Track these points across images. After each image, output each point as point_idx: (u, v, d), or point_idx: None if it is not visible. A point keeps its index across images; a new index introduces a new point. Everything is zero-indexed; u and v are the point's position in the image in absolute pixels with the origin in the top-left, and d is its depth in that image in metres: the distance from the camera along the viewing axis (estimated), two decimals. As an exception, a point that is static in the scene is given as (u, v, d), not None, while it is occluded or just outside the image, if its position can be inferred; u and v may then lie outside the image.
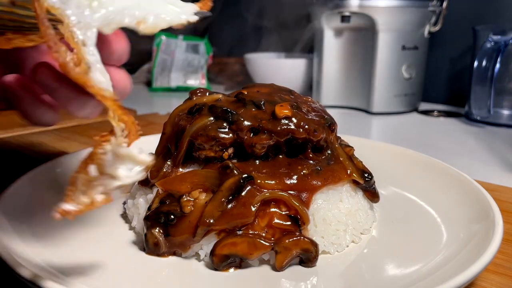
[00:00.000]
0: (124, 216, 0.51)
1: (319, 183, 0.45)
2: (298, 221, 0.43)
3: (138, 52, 1.78)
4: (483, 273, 0.41)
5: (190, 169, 0.46)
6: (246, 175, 0.43)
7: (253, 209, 0.42)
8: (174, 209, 0.43)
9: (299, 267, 0.42)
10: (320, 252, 0.43)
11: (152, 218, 0.43)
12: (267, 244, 0.41)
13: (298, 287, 0.40)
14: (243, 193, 0.42)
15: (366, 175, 0.49)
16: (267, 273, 0.42)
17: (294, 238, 0.41)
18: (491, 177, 0.65)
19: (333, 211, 0.45)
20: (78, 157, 0.61)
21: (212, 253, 0.41)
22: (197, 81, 1.50)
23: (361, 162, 0.51)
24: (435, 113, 1.16)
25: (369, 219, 0.49)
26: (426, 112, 1.17)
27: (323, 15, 1.11)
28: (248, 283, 0.40)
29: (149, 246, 0.43)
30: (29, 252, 0.39)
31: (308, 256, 0.42)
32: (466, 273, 0.34)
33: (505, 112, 1.03)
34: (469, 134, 0.97)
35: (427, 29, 1.11)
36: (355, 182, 0.49)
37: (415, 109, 1.19)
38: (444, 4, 1.10)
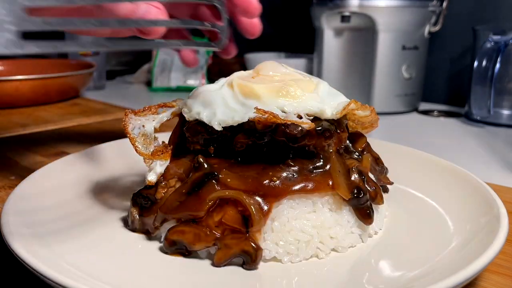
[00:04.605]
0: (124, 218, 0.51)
1: (285, 190, 0.44)
2: (247, 222, 0.43)
3: (138, 52, 1.78)
4: (483, 273, 0.41)
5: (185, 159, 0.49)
6: (210, 171, 0.45)
7: (208, 204, 0.43)
8: (151, 193, 0.47)
9: (309, 266, 0.42)
10: (269, 258, 0.43)
11: (134, 198, 0.48)
12: (210, 237, 0.42)
13: (305, 286, 0.40)
14: (202, 188, 0.44)
15: (355, 191, 0.45)
16: (268, 272, 0.42)
17: (237, 238, 0.42)
18: (491, 177, 0.65)
19: (297, 220, 0.44)
20: (78, 158, 0.62)
21: (165, 236, 0.44)
22: (197, 81, 1.50)
23: (363, 178, 0.48)
24: (435, 113, 1.16)
25: (350, 238, 0.46)
26: (426, 112, 1.17)
27: (323, 15, 1.11)
28: (249, 281, 0.40)
29: (129, 221, 0.48)
30: (36, 249, 0.39)
31: (247, 258, 0.42)
32: (471, 267, 0.35)
33: (505, 112, 1.03)
34: (469, 134, 0.97)
35: (427, 29, 1.11)
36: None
37: (415, 109, 1.19)
38: (444, 4, 1.10)
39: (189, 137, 0.49)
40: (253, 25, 0.57)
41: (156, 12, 0.42)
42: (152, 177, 0.47)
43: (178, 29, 0.62)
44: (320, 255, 0.44)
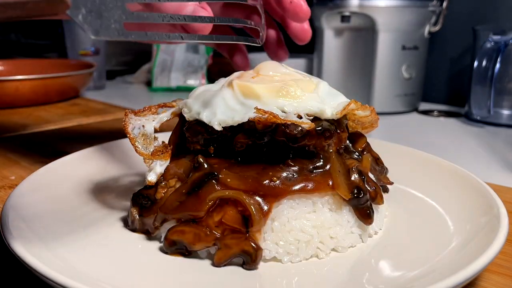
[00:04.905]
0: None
1: (285, 190, 0.44)
2: (247, 222, 0.43)
3: (138, 52, 1.78)
4: (483, 273, 0.41)
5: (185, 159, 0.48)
6: (210, 171, 0.44)
7: (208, 204, 0.43)
8: (151, 193, 0.47)
9: (309, 266, 0.42)
10: (269, 258, 0.43)
11: (134, 197, 0.48)
12: (210, 237, 0.42)
13: (305, 286, 0.40)
14: (202, 188, 0.44)
15: (355, 191, 0.45)
16: (268, 272, 0.42)
17: (237, 238, 0.42)
18: (491, 177, 0.65)
19: (297, 220, 0.44)
20: (78, 158, 0.62)
21: (165, 236, 0.44)
22: (197, 81, 1.50)
23: (363, 178, 0.47)
24: (435, 113, 1.16)
25: (350, 238, 0.46)
26: (426, 112, 1.17)
27: (323, 15, 1.11)
28: (249, 281, 0.40)
29: (129, 221, 0.48)
30: (36, 249, 0.39)
31: (247, 258, 0.42)
32: (470, 267, 0.35)
33: (505, 112, 1.03)
34: (469, 134, 0.97)
35: (427, 29, 1.11)
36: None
37: (415, 109, 1.19)
38: (444, 4, 1.10)
39: (189, 137, 0.49)
40: (303, 30, 0.57)
41: (203, 13, 0.44)
42: (152, 177, 0.47)
43: (225, 31, 0.64)
44: (320, 255, 0.44)
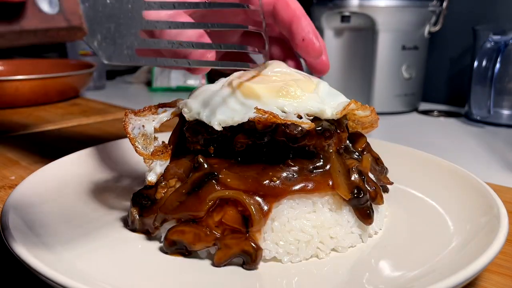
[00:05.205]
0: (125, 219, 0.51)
1: (285, 190, 0.44)
2: (247, 222, 0.43)
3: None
4: (483, 273, 0.41)
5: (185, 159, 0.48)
6: (210, 171, 0.45)
7: (208, 204, 0.43)
8: (151, 193, 0.47)
9: (309, 266, 0.42)
10: (269, 258, 0.43)
11: (134, 197, 0.48)
12: (210, 237, 0.42)
13: (305, 286, 0.40)
14: (202, 188, 0.44)
15: (355, 191, 0.45)
16: (268, 272, 0.42)
17: (237, 238, 0.42)
18: (491, 177, 0.65)
19: (297, 220, 0.44)
20: (78, 158, 0.62)
21: (165, 236, 0.44)
22: (197, 81, 1.50)
23: (363, 178, 0.48)
24: (435, 113, 1.16)
25: (350, 238, 0.46)
26: (426, 112, 1.17)
27: (323, 15, 1.11)
28: (249, 281, 0.40)
29: (129, 221, 0.48)
30: (35, 249, 0.39)
31: (247, 258, 0.42)
32: (470, 267, 0.35)
33: (505, 112, 1.03)
34: (469, 134, 0.97)
35: (427, 29, 1.11)
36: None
37: (415, 109, 1.19)
38: (444, 4, 1.10)
39: (189, 137, 0.49)
40: (321, 62, 0.57)
41: (209, 55, 0.46)
42: (152, 177, 0.47)
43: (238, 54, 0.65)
44: (320, 255, 0.44)
